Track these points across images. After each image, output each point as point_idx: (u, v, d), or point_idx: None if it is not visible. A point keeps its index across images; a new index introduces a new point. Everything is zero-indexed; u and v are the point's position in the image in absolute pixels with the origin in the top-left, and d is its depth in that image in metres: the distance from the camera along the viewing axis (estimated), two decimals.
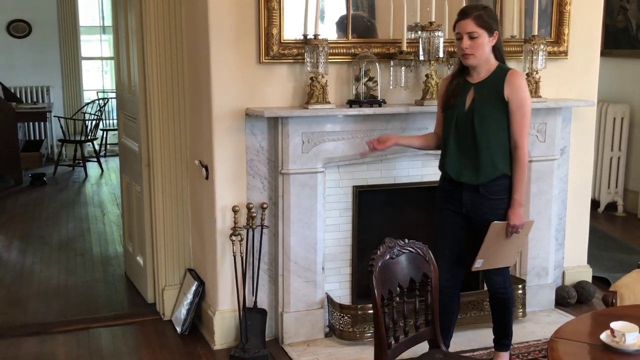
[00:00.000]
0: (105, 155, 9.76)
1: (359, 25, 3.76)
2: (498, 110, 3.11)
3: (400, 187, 3.92)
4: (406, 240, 2.54)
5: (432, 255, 2.60)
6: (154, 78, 3.97)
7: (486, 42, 3.09)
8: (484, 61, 3.14)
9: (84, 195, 7.65)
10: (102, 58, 10.75)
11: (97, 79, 10.82)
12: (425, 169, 3.92)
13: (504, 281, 3.34)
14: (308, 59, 3.51)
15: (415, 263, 2.55)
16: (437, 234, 3.38)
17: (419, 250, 2.56)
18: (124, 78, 4.54)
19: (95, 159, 9.02)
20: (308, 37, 3.53)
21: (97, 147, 9.33)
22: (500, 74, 3.13)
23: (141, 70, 4.06)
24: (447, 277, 3.23)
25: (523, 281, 4.05)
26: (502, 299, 3.35)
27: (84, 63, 10.06)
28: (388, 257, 2.45)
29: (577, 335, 2.41)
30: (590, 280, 4.48)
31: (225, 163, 3.62)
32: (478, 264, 3.21)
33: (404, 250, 2.52)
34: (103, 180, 8.46)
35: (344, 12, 3.70)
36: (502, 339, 3.40)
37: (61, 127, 8.80)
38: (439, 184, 3.39)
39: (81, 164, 8.74)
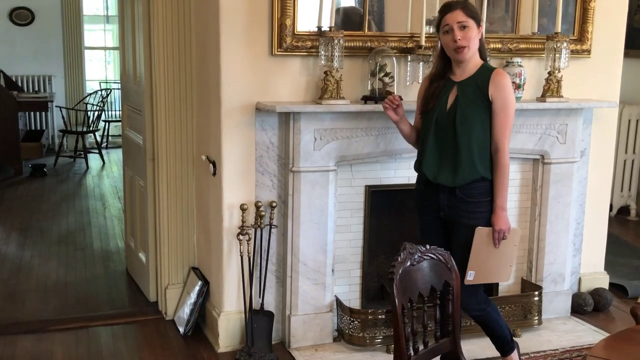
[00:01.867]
0: (107, 147, 9.61)
1: (354, 19, 3.62)
2: (482, 111, 2.95)
3: (413, 187, 3.76)
4: (427, 246, 2.39)
5: (454, 262, 2.45)
6: (160, 69, 3.82)
7: (475, 34, 2.94)
8: (471, 56, 2.98)
9: (84, 188, 7.50)
10: (105, 48, 10.61)
11: (100, 69, 10.67)
12: None
13: (477, 302, 3.12)
14: (322, 52, 3.36)
15: (437, 270, 2.40)
16: (420, 239, 3.19)
17: (440, 257, 2.41)
18: (129, 68, 4.39)
19: (97, 151, 8.88)
20: (323, 29, 3.38)
21: (98, 139, 9.18)
22: (485, 72, 2.97)
23: (147, 61, 3.91)
24: None
25: (539, 288, 3.90)
26: (482, 320, 3.18)
27: (87, 53, 9.90)
28: (409, 263, 2.30)
29: (616, 354, 2.26)
30: (607, 287, 4.33)
31: (234, 159, 3.47)
32: (470, 277, 3.01)
33: (425, 257, 2.37)
34: (104, 173, 8.32)
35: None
36: (502, 347, 3.23)
37: (63, 117, 8.64)
38: (415, 187, 3.23)
39: (82, 156, 8.60)
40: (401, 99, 3.19)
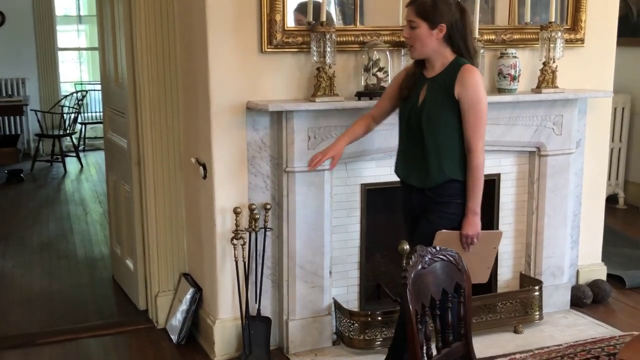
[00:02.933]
0: (84, 150, 9.42)
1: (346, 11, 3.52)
2: (448, 111, 2.82)
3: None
4: (437, 248, 2.30)
5: (464, 263, 2.36)
6: (144, 69, 3.68)
7: (425, 35, 2.79)
8: (433, 55, 2.85)
9: (64, 193, 7.31)
10: (79, 49, 10.39)
11: (75, 70, 10.44)
12: None
13: None
14: (314, 48, 3.26)
15: (448, 272, 2.31)
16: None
17: (451, 258, 2.32)
18: (110, 69, 4.24)
19: (75, 154, 8.67)
20: (313, 23, 3.27)
21: (75, 142, 8.97)
22: (453, 70, 2.82)
23: (130, 61, 3.77)
24: None
25: (540, 282, 3.83)
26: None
27: (60, 54, 9.66)
28: (420, 267, 2.20)
29: None
30: (604, 278, 4.29)
31: (225, 161, 3.35)
32: None
33: (435, 259, 2.27)
34: (83, 176, 8.12)
35: None
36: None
37: (38, 121, 8.44)
38: (401, 188, 3.11)
39: (60, 160, 8.39)
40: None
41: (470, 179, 2.86)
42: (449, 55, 2.86)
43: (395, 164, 3.08)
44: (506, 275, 3.96)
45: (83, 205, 6.70)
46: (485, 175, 3.68)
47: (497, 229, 3.85)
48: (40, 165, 8.40)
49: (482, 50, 3.55)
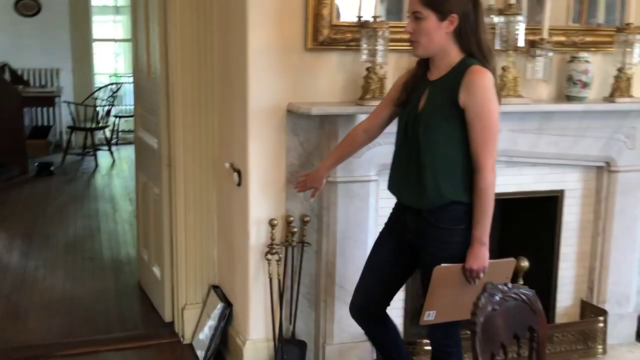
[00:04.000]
0: (117, 144, 9.25)
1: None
2: (449, 120, 2.38)
3: None
4: (509, 285, 1.96)
5: (539, 303, 2.02)
6: (177, 64, 3.40)
7: (434, 27, 2.36)
8: (439, 53, 2.42)
9: (93, 188, 7.10)
10: (115, 40, 10.21)
11: (110, 62, 10.27)
12: (499, 178, 3.30)
13: (444, 337, 2.60)
14: (365, 46, 2.93)
15: (521, 314, 1.97)
16: (368, 258, 2.74)
17: (524, 297, 1.98)
18: (142, 63, 3.96)
19: (107, 148, 8.48)
20: (364, 19, 2.95)
21: (108, 135, 8.78)
22: (460, 70, 2.38)
23: (163, 55, 3.49)
24: (364, 299, 2.72)
25: (604, 312, 3.46)
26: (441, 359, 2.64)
27: (95, 45, 9.49)
28: (490, 309, 1.87)
29: None
30: None
31: (262, 167, 3.05)
32: (428, 317, 2.49)
33: (507, 298, 1.94)
34: (114, 171, 7.92)
35: None
36: None
37: (71, 113, 8.26)
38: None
39: (91, 153, 8.21)
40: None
41: (477, 202, 2.39)
42: (456, 55, 2.42)
43: (388, 177, 2.65)
44: (565, 302, 3.59)
45: (112, 203, 6.47)
46: (548, 192, 3.45)
47: (559, 251, 3.51)
48: (72, 159, 8.22)
49: (550, 53, 3.19)
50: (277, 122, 3.02)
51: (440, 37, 2.38)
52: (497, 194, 3.29)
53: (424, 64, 2.52)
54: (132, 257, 4.86)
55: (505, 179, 3.32)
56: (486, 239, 2.42)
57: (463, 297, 2.38)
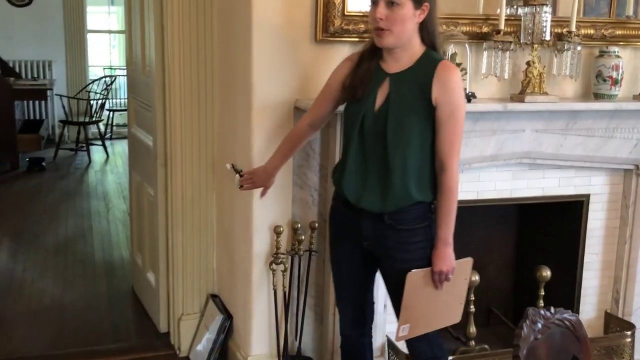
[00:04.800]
0: (111, 138, 9.00)
1: None
2: (421, 119, 2.22)
3: (483, 203, 3.11)
4: (552, 310, 1.73)
5: (584, 329, 1.79)
6: (175, 57, 3.15)
7: (410, 15, 2.19)
8: (407, 43, 2.24)
9: (86, 185, 6.84)
10: (110, 31, 9.93)
11: (104, 54, 9.98)
12: (516, 182, 3.11)
13: (431, 349, 2.46)
14: None
15: (564, 342, 1.76)
16: (334, 274, 2.55)
17: (568, 324, 1.77)
18: (136, 56, 3.71)
19: (100, 143, 8.22)
20: None
21: (102, 129, 8.51)
22: (428, 65, 2.23)
23: (159, 47, 3.24)
24: (350, 326, 2.56)
25: (632, 326, 3.23)
26: None
27: (89, 36, 9.19)
28: (532, 337, 1.64)
29: None
30: None
31: None
32: (403, 331, 2.33)
33: (550, 325, 1.72)
34: (108, 167, 7.66)
35: None
36: None
37: (63, 106, 8.01)
38: (332, 204, 2.51)
39: (84, 148, 7.95)
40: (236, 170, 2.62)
41: (443, 202, 2.27)
42: (418, 47, 2.27)
43: (336, 179, 2.42)
44: (589, 314, 3.36)
45: (106, 201, 6.22)
46: (572, 197, 3.22)
47: (583, 259, 3.28)
48: (64, 154, 7.97)
49: (578, 47, 2.95)
50: (283, 120, 2.78)
51: (412, 27, 2.22)
52: (518, 199, 3.14)
53: (373, 54, 2.32)
54: (126, 260, 4.62)
55: (528, 183, 3.12)
56: (451, 239, 2.31)
57: (436, 305, 2.32)
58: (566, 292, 3.33)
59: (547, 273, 3.17)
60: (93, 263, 4.64)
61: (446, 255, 2.30)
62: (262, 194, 2.66)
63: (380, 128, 2.25)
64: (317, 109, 2.52)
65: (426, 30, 2.25)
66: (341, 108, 2.48)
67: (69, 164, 7.69)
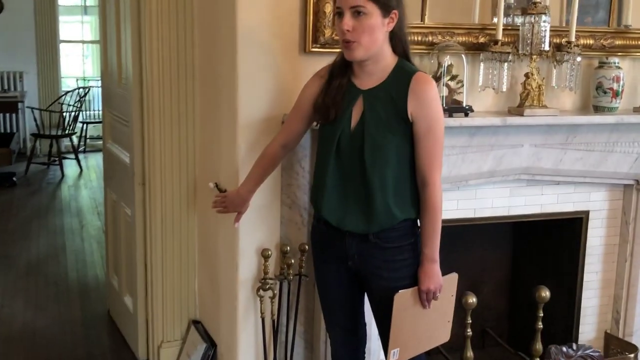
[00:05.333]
0: (84, 151, 8.74)
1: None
2: (398, 134, 2.11)
3: (480, 222, 2.97)
4: (574, 347, 1.58)
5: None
6: (153, 69, 2.98)
7: (378, 24, 2.05)
8: (375, 55, 2.11)
9: (59, 201, 6.60)
10: (83, 41, 9.68)
11: (77, 65, 9.73)
12: (514, 199, 2.97)
13: None
14: None
15: None
16: (320, 297, 2.43)
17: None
18: (112, 67, 3.52)
19: (74, 156, 7.96)
20: None
21: (75, 143, 8.26)
22: (402, 78, 2.11)
23: (136, 58, 3.07)
24: (342, 351, 2.45)
25: (634, 348, 3.09)
26: None
27: (62, 47, 8.94)
28: None
29: None
30: None
31: None
32: (394, 356, 2.23)
33: None
34: (82, 182, 7.41)
35: None
36: None
37: (35, 119, 7.74)
38: (313, 224, 2.38)
39: (57, 162, 7.69)
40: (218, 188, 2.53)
41: (427, 219, 2.17)
42: (390, 58, 2.14)
43: (315, 201, 2.30)
44: (588, 335, 3.22)
45: (79, 217, 5.98)
46: (571, 213, 3.09)
47: (582, 278, 3.15)
48: (36, 168, 7.72)
49: (578, 58, 2.83)
50: (270, 135, 2.58)
51: (381, 37, 2.09)
52: (516, 217, 3.00)
53: (344, 69, 2.18)
54: (101, 281, 4.41)
55: (526, 200, 2.98)
56: (437, 256, 2.21)
57: (424, 326, 2.22)
58: (565, 313, 3.20)
59: (546, 294, 3.02)
60: (66, 285, 4.42)
61: (433, 272, 2.19)
62: (236, 219, 2.51)
63: (357, 148, 2.15)
64: (290, 128, 2.39)
65: (396, 39, 2.13)
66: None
67: (41, 179, 7.44)
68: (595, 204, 3.11)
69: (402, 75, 2.10)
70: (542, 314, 3.05)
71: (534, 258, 3.32)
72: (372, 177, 2.12)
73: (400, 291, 2.16)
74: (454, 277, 2.29)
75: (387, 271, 2.21)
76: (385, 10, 2.06)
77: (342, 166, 2.18)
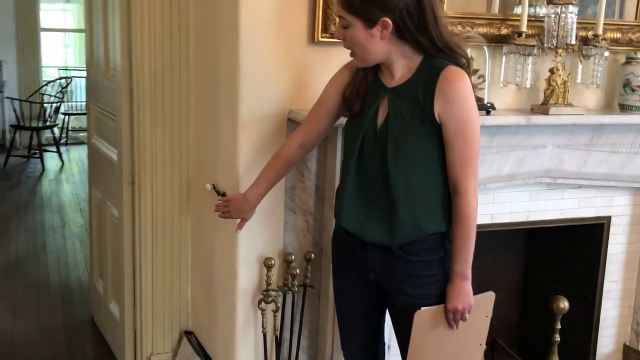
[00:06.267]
0: (66, 143, 8.46)
1: None
2: (424, 138, 1.89)
3: (498, 228, 2.77)
4: None
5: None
6: (144, 59, 2.74)
7: (362, 36, 1.85)
8: (387, 60, 1.90)
9: (39, 196, 6.31)
10: (65, 30, 9.35)
11: (59, 54, 9.41)
12: (533, 204, 2.77)
13: None
14: None
15: None
16: (337, 310, 2.22)
17: None
18: (98, 57, 3.27)
19: (55, 149, 7.67)
20: None
21: (57, 135, 7.96)
22: (429, 74, 1.87)
23: (125, 48, 2.82)
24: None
25: None
26: None
27: (43, 35, 8.62)
28: None
29: None
30: None
31: None
32: None
33: None
34: (63, 176, 7.13)
35: None
36: None
37: (15, 110, 7.46)
38: (335, 229, 2.16)
39: (37, 155, 7.40)
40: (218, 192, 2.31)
41: (459, 232, 1.94)
42: (413, 56, 1.90)
43: (337, 208, 2.09)
44: (607, 347, 3.05)
45: (61, 214, 5.71)
46: (592, 219, 2.90)
47: (602, 288, 2.96)
48: (15, 161, 7.44)
49: (606, 53, 2.62)
50: (274, 134, 2.38)
51: (375, 46, 1.87)
52: (535, 222, 2.80)
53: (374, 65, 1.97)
54: (85, 284, 4.16)
55: (546, 204, 2.77)
56: (469, 272, 1.98)
57: (453, 345, 2.00)
58: (582, 324, 3.02)
59: (564, 304, 2.83)
60: (47, 288, 4.16)
61: (463, 290, 1.97)
62: (239, 226, 2.27)
63: (380, 151, 1.92)
64: (311, 125, 2.14)
65: (410, 40, 1.86)
66: (342, 120, 2.11)
67: (21, 173, 7.16)
68: (618, 209, 2.92)
69: (430, 71, 1.87)
70: (560, 326, 2.87)
71: (548, 265, 3.13)
72: (396, 184, 1.90)
73: (422, 308, 1.95)
74: (490, 296, 2.06)
75: (410, 287, 1.98)
76: (368, 20, 1.83)
77: (365, 170, 1.96)
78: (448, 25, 1.95)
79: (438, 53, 1.88)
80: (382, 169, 1.92)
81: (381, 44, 1.86)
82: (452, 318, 1.98)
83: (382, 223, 1.95)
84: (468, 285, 1.97)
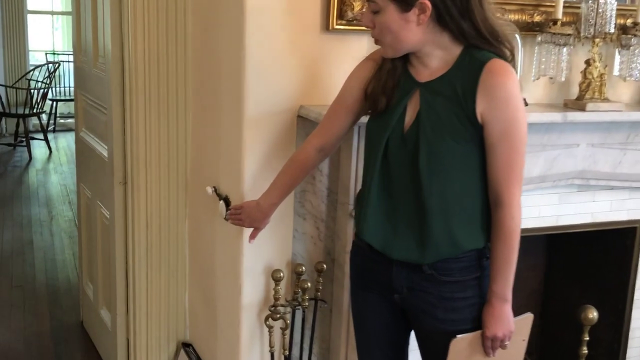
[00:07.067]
0: (54, 131, 8.19)
1: None
2: (463, 141, 1.65)
3: (527, 234, 2.53)
4: None
5: None
6: (137, 47, 2.49)
7: (395, 21, 1.61)
8: (421, 50, 1.67)
9: (26, 187, 6.05)
10: (52, 12, 9.06)
11: (47, 38, 9.10)
12: (563, 207, 2.54)
13: None
14: None
15: None
16: (356, 333, 1.98)
17: None
18: (86, 44, 3.01)
19: (42, 137, 7.41)
20: None
21: (44, 122, 7.69)
22: (470, 68, 1.63)
23: (117, 35, 2.57)
24: None
25: None
26: None
27: (30, 18, 8.32)
28: None
29: None
30: None
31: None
32: None
33: None
34: (51, 165, 6.87)
35: None
36: None
37: (0, 97, 7.14)
38: (354, 241, 1.91)
39: (24, 143, 7.15)
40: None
41: (500, 248, 1.70)
42: (451, 47, 1.66)
43: (357, 218, 1.85)
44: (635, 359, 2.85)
45: (48, 207, 5.45)
46: (624, 222, 2.68)
47: (632, 295, 2.75)
48: (1, 149, 7.21)
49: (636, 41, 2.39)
50: (283, 132, 2.15)
51: (410, 34, 1.63)
52: (566, 227, 2.59)
53: (403, 56, 1.71)
54: (73, 284, 3.92)
55: (576, 208, 2.55)
56: (509, 294, 1.74)
57: None
58: (610, 335, 2.81)
59: (593, 315, 2.61)
60: (33, 289, 3.92)
61: (503, 315, 1.74)
62: (252, 235, 2.05)
63: (410, 155, 1.67)
64: (330, 126, 1.90)
65: (451, 27, 1.62)
66: (364, 119, 1.87)
67: (6, 162, 6.91)
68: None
69: (472, 64, 1.62)
70: (588, 338, 2.66)
71: (571, 271, 2.92)
72: (429, 193, 1.66)
73: (458, 336, 1.72)
74: (528, 318, 1.84)
75: (443, 311, 1.75)
76: (403, 3, 1.60)
77: (391, 176, 1.71)
78: (495, 9, 1.68)
79: (481, 42, 1.62)
80: (412, 175, 1.67)
81: (417, 31, 1.61)
82: (491, 346, 1.75)
83: (412, 238, 1.71)
84: (508, 309, 1.74)
